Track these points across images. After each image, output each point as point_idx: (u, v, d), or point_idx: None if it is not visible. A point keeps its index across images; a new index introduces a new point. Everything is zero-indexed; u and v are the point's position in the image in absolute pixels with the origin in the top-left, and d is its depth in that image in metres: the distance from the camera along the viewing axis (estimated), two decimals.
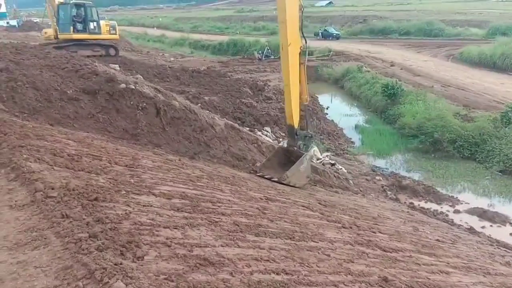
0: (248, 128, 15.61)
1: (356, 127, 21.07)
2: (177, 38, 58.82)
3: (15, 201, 3.65)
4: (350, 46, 41.85)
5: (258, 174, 9.79)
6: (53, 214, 3.38)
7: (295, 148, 10.33)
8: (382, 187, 13.06)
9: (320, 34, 51.68)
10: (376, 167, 15.45)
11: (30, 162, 4.35)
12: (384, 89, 22.59)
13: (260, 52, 38.64)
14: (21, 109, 6.97)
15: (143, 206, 4.30)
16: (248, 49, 43.68)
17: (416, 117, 18.54)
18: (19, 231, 3.21)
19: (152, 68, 23.94)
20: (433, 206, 12.07)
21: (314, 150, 15.25)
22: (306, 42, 10.08)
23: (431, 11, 66.11)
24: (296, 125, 10.13)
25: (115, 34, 24.91)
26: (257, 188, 8.02)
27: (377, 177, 13.89)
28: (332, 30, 53.32)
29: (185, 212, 4.63)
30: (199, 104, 15.23)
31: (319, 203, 8.11)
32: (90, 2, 24.11)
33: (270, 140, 15.16)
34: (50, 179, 4.00)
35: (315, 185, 10.89)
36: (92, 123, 7.40)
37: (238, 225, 4.77)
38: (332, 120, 21.91)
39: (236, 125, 13.04)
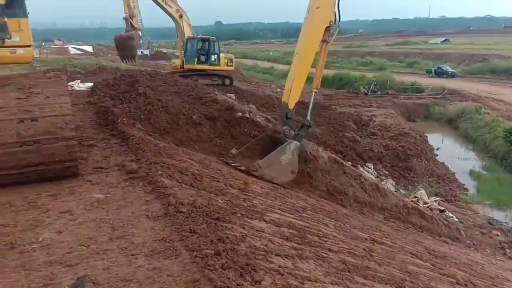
0: (350, 163, 15.37)
1: (471, 172, 19.40)
2: (285, 70, 60.26)
3: (151, 212, 4.13)
4: (467, 85, 39.14)
5: (228, 162, 8.15)
6: (183, 228, 3.74)
7: (282, 135, 8.64)
8: (500, 243, 11.78)
9: (433, 71, 49.24)
10: (494, 219, 13.97)
11: (163, 178, 4.87)
12: (507, 134, 20.63)
13: (366, 87, 38.08)
14: (154, 130, 7.88)
15: (256, 231, 4.52)
16: (353, 83, 43.30)
17: None
18: (154, 239, 3.61)
19: (261, 98, 25.05)
20: None
21: (421, 193, 14.40)
22: (339, 20, 8.69)
23: None
24: (291, 106, 8.69)
25: (232, 66, 26.85)
26: (361, 227, 7.85)
27: (494, 231, 12.57)
28: (447, 68, 50.45)
29: (294, 242, 4.74)
30: None
31: (428, 253, 7.64)
32: (214, 38, 26.48)
33: (373, 178, 14.69)
34: (180, 195, 4.43)
35: (422, 231, 10.27)
36: (210, 146, 8.03)
37: (345, 264, 4.72)
38: (443, 163, 20.45)
39: (339, 159, 12.95)
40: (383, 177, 16.53)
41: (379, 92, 36.17)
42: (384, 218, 10.34)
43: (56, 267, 3.19)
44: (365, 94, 36.52)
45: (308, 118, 8.97)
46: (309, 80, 9.21)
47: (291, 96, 8.61)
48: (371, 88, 37.32)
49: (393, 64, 59.87)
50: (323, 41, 8.63)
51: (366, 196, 11.06)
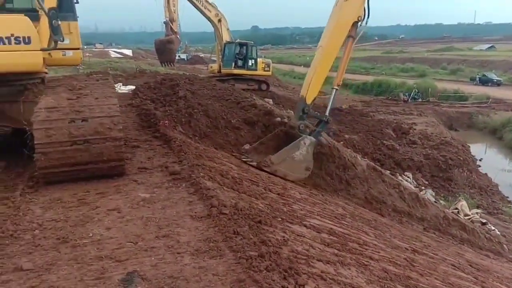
0: (389, 172, 15.08)
1: None
2: None
3: (195, 212, 4.21)
4: None
5: (241, 158, 7.96)
6: (226, 230, 3.79)
7: (297, 130, 8.31)
8: None
9: (477, 79, 47.62)
10: None
11: (205, 180, 4.96)
12: None
13: (406, 94, 37.25)
14: (194, 133, 8.04)
15: (297, 235, 4.51)
16: (393, 90, 42.46)
17: None
18: (199, 239, 3.68)
19: (296, 103, 24.99)
20: None
21: (462, 204, 13.93)
22: (367, 16, 8.26)
23: None
24: (308, 101, 8.38)
25: (269, 71, 26.92)
26: (401, 236, 7.70)
27: None
28: (492, 75, 48.62)
29: (335, 248, 4.70)
30: (342, 142, 15.30)
31: (470, 265, 7.39)
32: (252, 42, 26.71)
33: (412, 187, 14.35)
34: (222, 197, 4.50)
35: (463, 244, 9.94)
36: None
37: (387, 273, 4.64)
38: (486, 174, 19.70)
39: (378, 167, 12.74)
40: (423, 187, 16.12)
41: (420, 100, 35.34)
42: (424, 228, 10.11)
43: (107, 262, 3.31)
44: (405, 101, 35.76)
45: (327, 114, 8.68)
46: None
47: (310, 90, 8.34)
48: (411, 95, 36.51)
49: (435, 71, 58.33)
50: (349, 36, 8.34)
51: (405, 206, 10.84)
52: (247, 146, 8.58)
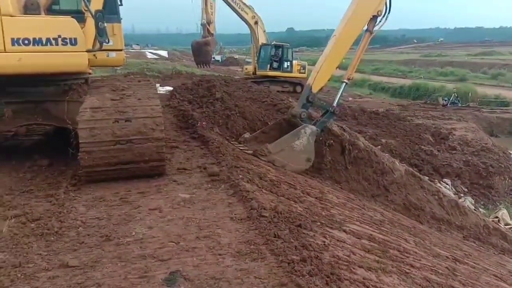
0: (427, 178, 14.68)
1: None
2: (357, 79, 59.32)
3: (235, 214, 4.21)
4: None
5: (237, 145, 7.67)
6: (267, 232, 3.77)
7: (299, 118, 7.88)
8: None
9: None
10: None
11: (244, 182, 4.95)
12: None
13: (445, 98, 36.09)
14: (231, 134, 8.08)
15: (338, 241, 4.43)
16: (431, 94, 41.27)
17: None
18: (239, 241, 3.68)
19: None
20: None
21: (503, 213, 13.37)
22: (388, 12, 7.98)
23: None
24: (314, 89, 8.03)
25: (304, 73, 26.74)
26: (441, 245, 7.46)
27: None
28: None
29: (375, 255, 4.59)
30: (379, 146, 15.01)
31: None
32: (288, 44, 26.67)
33: (451, 194, 13.91)
34: (261, 200, 4.48)
35: (503, 254, 9.56)
36: None
37: (429, 282, 4.50)
38: None
39: (416, 172, 12.42)
40: (462, 194, 15.59)
41: (460, 104, 34.10)
42: (463, 237, 9.80)
43: (150, 261, 3.35)
44: (444, 105, 34.66)
45: (335, 105, 8.36)
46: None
47: (317, 78, 8.01)
48: (451, 99, 35.33)
49: (476, 75, 56.20)
50: (367, 30, 8.12)
51: (444, 213, 10.54)
52: (247, 135, 8.31)
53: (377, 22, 8.20)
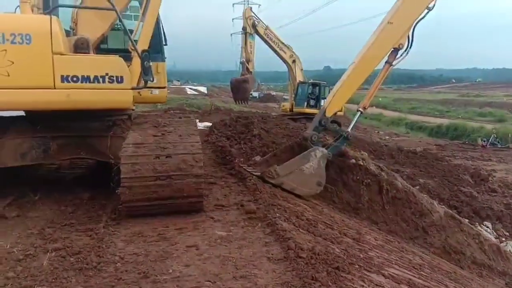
0: (467, 220, 14.08)
1: None
2: (394, 117, 58.88)
3: (271, 254, 4.17)
4: None
5: (246, 167, 7.51)
6: (304, 274, 3.69)
7: (309, 141, 7.64)
8: None
9: None
10: None
11: (281, 220, 4.92)
12: None
13: (485, 139, 34.98)
14: None
15: (376, 285, 4.28)
16: (470, 134, 40.11)
17: None
18: (276, 283, 3.62)
19: (369, 144, 24.38)
20: None
21: None
22: (410, 46, 7.95)
23: None
24: (328, 114, 7.86)
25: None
26: None
27: None
28: None
29: None
30: (417, 187, 14.59)
31: None
32: (325, 82, 26.93)
33: (492, 238, 13.23)
34: (298, 240, 4.42)
35: None
36: (322, 192, 7.91)
37: None
38: None
39: (456, 215, 11.96)
40: (503, 239, 14.77)
41: (499, 145, 32.91)
42: (506, 284, 9.26)
43: None
44: (483, 146, 33.56)
45: (349, 130, 8.28)
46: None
47: (332, 102, 7.94)
48: (490, 140, 34.21)
49: None
50: (387, 62, 8.10)
51: (485, 258, 10.03)
52: (257, 158, 8.24)
53: (397, 55, 8.18)
